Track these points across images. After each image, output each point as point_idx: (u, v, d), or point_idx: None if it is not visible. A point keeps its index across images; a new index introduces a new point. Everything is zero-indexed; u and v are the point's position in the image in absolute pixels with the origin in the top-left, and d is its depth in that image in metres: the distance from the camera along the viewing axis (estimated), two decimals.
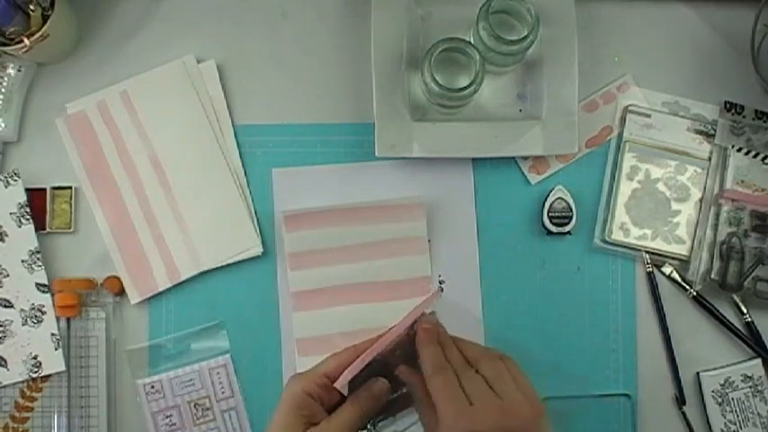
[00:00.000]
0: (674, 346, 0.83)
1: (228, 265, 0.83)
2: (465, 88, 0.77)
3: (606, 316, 0.84)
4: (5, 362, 0.81)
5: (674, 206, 0.84)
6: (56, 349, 0.81)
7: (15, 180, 0.82)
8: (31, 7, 0.77)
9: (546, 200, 0.82)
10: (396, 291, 0.83)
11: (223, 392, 0.82)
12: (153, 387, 0.81)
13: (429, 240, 0.83)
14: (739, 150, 0.83)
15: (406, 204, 0.83)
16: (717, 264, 0.82)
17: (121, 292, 0.82)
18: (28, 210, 0.81)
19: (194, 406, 0.81)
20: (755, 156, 0.83)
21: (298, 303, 0.83)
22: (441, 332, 0.69)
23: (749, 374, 0.82)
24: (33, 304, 0.81)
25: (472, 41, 0.80)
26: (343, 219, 0.83)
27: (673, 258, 0.83)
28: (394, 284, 0.83)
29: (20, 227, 0.81)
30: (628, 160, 0.84)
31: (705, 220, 0.83)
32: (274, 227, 0.84)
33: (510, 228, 0.84)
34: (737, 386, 0.82)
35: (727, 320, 0.83)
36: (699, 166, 0.84)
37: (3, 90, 0.82)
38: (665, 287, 0.84)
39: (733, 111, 0.84)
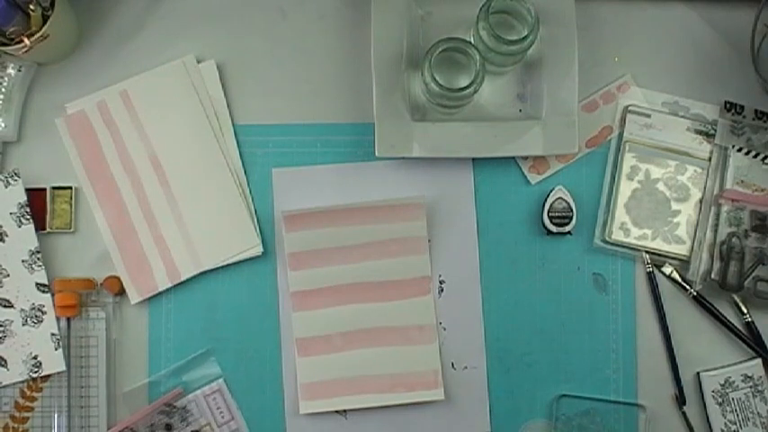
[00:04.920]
0: (674, 346, 0.83)
1: (228, 265, 0.83)
2: (465, 88, 0.77)
3: (606, 316, 0.84)
4: (5, 362, 0.81)
5: (674, 206, 0.83)
6: (56, 349, 0.81)
7: (15, 180, 0.82)
8: (31, 7, 0.77)
9: (546, 200, 0.82)
10: (396, 291, 0.83)
11: (222, 417, 0.82)
12: (150, 426, 0.81)
13: (429, 240, 0.83)
14: (739, 150, 0.83)
15: (406, 204, 0.83)
16: (717, 264, 0.82)
17: (121, 292, 0.82)
18: (28, 210, 0.81)
19: None
20: (755, 156, 0.83)
21: (298, 303, 0.83)
22: None
23: (749, 374, 0.82)
24: (33, 304, 0.81)
25: (472, 41, 0.80)
26: (343, 219, 0.83)
27: (673, 258, 0.83)
28: (394, 284, 0.83)
29: (20, 227, 0.81)
30: (628, 160, 0.84)
31: (705, 220, 0.83)
32: (274, 227, 0.84)
33: (510, 228, 0.84)
34: (738, 386, 0.82)
35: (728, 320, 0.83)
36: (699, 166, 0.84)
37: (3, 90, 0.82)
38: (665, 287, 0.84)
39: (733, 111, 0.84)
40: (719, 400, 0.82)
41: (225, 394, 0.82)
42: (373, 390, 0.82)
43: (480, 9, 0.78)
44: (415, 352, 0.82)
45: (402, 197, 0.83)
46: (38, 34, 0.77)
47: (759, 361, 0.82)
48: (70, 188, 0.83)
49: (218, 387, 0.82)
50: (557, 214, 0.82)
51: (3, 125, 0.82)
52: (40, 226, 0.82)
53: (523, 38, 0.77)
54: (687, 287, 0.83)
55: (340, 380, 0.82)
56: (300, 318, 0.83)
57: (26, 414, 0.81)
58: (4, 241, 0.81)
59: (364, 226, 0.83)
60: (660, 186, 0.84)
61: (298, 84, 0.85)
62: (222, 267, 0.83)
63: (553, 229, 0.82)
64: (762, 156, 0.83)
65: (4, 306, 0.81)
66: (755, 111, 0.84)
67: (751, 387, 0.82)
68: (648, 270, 0.83)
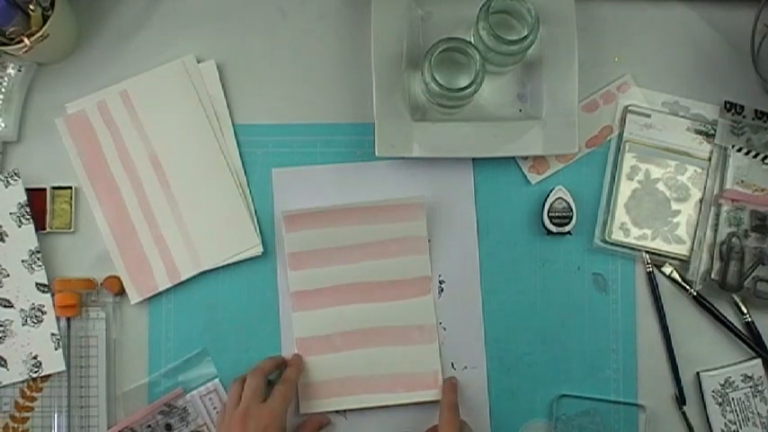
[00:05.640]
0: (674, 346, 0.83)
1: (228, 265, 0.83)
2: (465, 88, 0.77)
3: (606, 316, 0.84)
4: (5, 362, 0.81)
5: (674, 206, 0.83)
6: (56, 349, 0.81)
7: (15, 180, 0.82)
8: (31, 7, 0.77)
9: (546, 200, 0.82)
10: (396, 291, 0.83)
11: None
12: (149, 426, 0.81)
13: (429, 240, 0.83)
14: (739, 150, 0.83)
15: (406, 204, 0.83)
16: (717, 264, 0.82)
17: (121, 292, 0.82)
18: (28, 210, 0.81)
19: None
20: (755, 156, 0.83)
21: (298, 303, 0.83)
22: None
23: (749, 374, 0.82)
24: (33, 304, 0.81)
25: (472, 41, 0.80)
26: (344, 219, 0.83)
27: (673, 258, 0.83)
28: (394, 284, 0.83)
29: (20, 227, 0.81)
30: (628, 160, 0.84)
31: (705, 220, 0.83)
32: (274, 227, 0.84)
33: (510, 228, 0.84)
34: (737, 386, 0.82)
35: (728, 320, 0.83)
36: (699, 166, 0.84)
37: (3, 90, 0.82)
38: (665, 287, 0.84)
39: (733, 111, 0.84)
40: (719, 400, 0.82)
41: (221, 394, 0.82)
42: (373, 390, 0.82)
43: (480, 9, 0.78)
44: (415, 352, 0.82)
45: (402, 197, 0.83)
46: (38, 34, 0.77)
47: (759, 361, 0.82)
48: (70, 188, 0.83)
49: (213, 387, 0.82)
50: (557, 214, 0.82)
51: (3, 125, 0.82)
52: (39, 226, 0.82)
53: (523, 38, 0.77)
54: (687, 287, 0.83)
55: (340, 380, 0.82)
56: (300, 318, 0.83)
57: (26, 414, 0.81)
58: (4, 241, 0.81)
59: (364, 226, 0.83)
60: (660, 186, 0.84)
61: (298, 84, 0.85)
62: (222, 267, 0.83)
63: (553, 229, 0.82)
64: (762, 156, 0.83)
65: (4, 306, 0.81)
66: (755, 111, 0.84)
67: (751, 387, 0.82)
68: (648, 270, 0.83)
